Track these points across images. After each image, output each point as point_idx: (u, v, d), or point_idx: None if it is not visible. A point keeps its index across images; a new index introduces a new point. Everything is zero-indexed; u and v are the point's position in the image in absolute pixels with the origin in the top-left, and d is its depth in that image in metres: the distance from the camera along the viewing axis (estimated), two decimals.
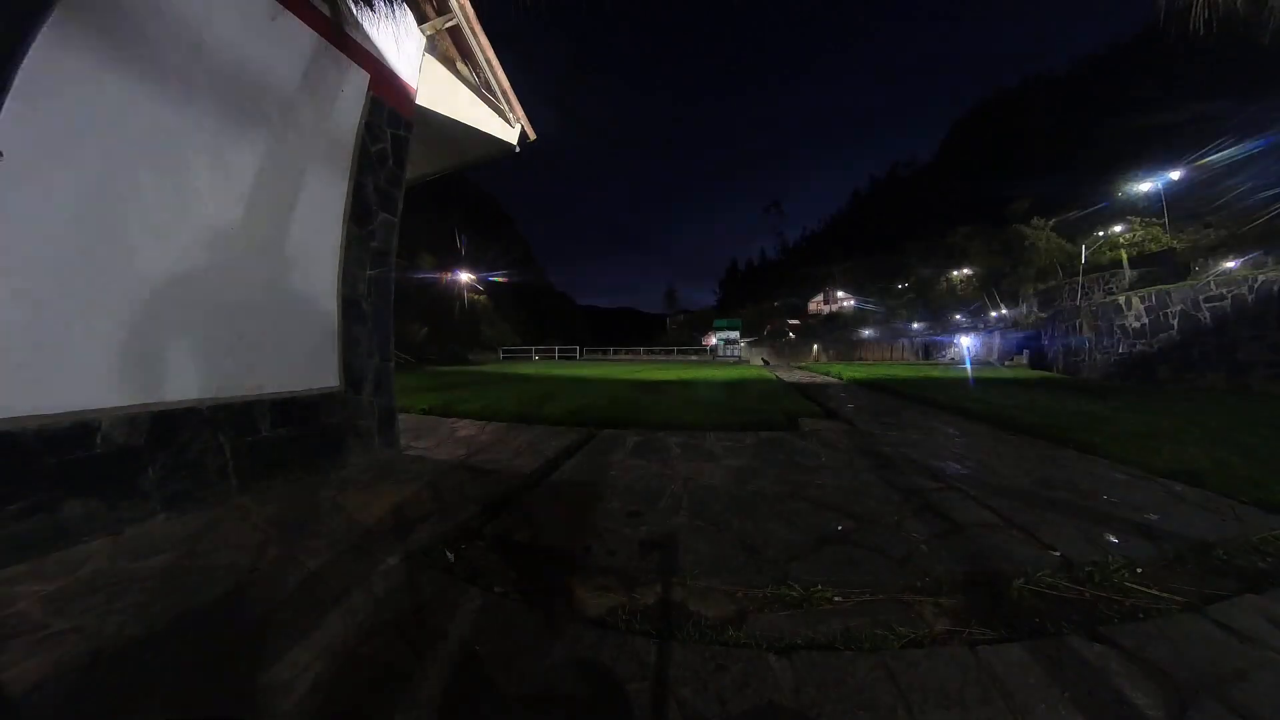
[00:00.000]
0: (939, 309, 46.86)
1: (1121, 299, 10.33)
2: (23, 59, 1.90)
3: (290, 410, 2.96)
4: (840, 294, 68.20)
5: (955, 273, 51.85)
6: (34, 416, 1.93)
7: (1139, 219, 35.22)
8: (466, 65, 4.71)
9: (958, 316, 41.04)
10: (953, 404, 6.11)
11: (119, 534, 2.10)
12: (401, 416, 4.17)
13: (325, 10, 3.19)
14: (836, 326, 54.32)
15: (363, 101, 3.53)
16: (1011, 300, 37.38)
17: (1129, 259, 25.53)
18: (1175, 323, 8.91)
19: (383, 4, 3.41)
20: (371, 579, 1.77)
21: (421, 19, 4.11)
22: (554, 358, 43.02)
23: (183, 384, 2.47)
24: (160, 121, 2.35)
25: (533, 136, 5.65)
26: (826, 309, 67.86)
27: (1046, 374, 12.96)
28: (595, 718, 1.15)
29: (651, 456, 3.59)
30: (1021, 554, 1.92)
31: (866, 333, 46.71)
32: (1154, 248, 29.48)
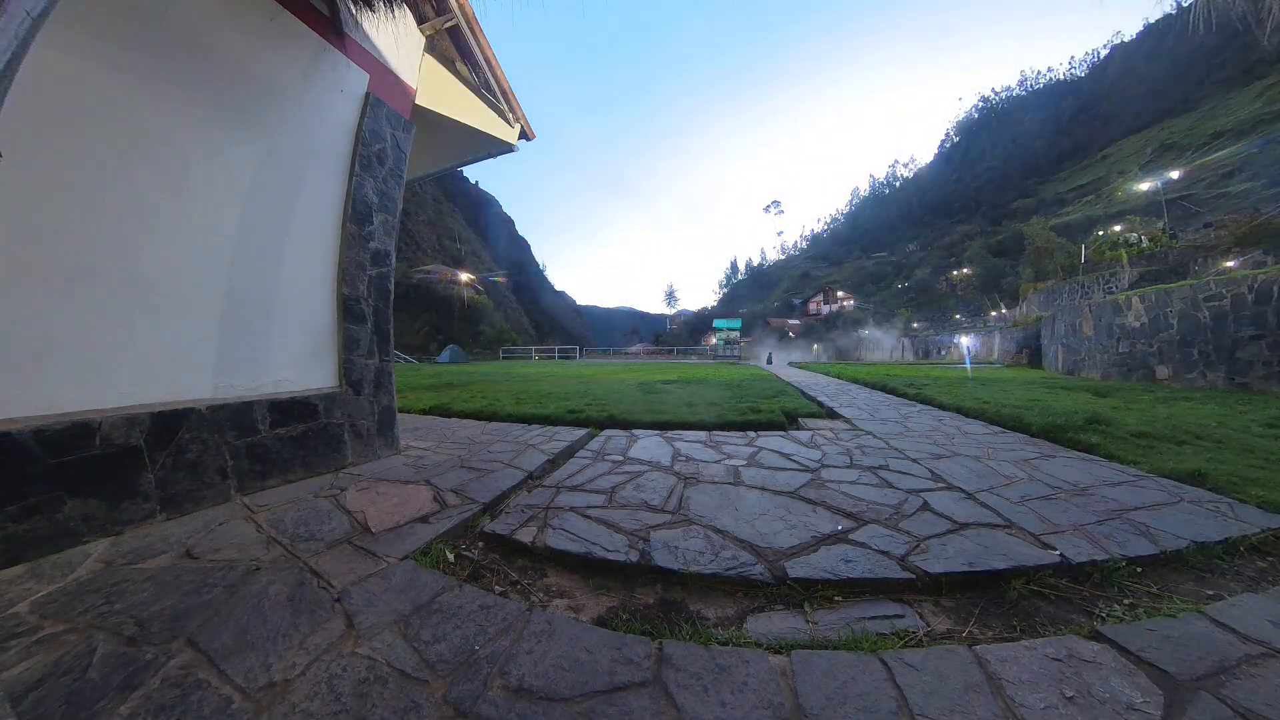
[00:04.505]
0: (939, 309, 46.87)
1: (1121, 298, 10.31)
2: (23, 59, 1.91)
3: (289, 410, 2.96)
4: (840, 294, 68.23)
5: (955, 273, 51.88)
6: (33, 417, 1.93)
7: (1139, 219, 35.22)
8: (466, 65, 4.70)
9: (958, 316, 41.04)
10: (953, 403, 6.11)
11: (118, 534, 2.10)
12: (402, 416, 4.17)
13: (324, 10, 3.19)
14: (836, 326, 54.27)
15: (362, 102, 3.53)
16: (1011, 300, 37.43)
17: (1129, 259, 25.52)
18: (1175, 322, 8.89)
19: (382, 4, 3.40)
20: (371, 579, 1.77)
21: (421, 19, 4.11)
22: (554, 357, 43.02)
23: (181, 384, 2.47)
24: (159, 121, 2.36)
25: (533, 136, 5.65)
26: (826, 309, 67.85)
27: (1046, 373, 12.95)
28: (594, 719, 1.15)
29: (652, 455, 3.59)
30: (1021, 554, 1.92)
31: (866, 332, 46.63)
32: (1154, 247, 29.44)
